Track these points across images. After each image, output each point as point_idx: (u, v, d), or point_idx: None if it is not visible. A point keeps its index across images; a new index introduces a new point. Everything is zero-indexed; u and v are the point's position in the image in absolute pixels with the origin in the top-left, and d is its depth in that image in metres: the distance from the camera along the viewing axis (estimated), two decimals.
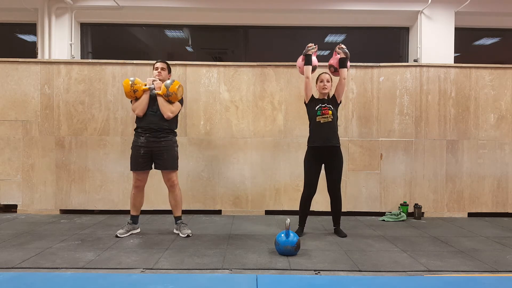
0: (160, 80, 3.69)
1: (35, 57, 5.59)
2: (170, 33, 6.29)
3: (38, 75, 4.68)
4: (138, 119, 3.67)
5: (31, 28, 5.90)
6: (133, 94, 3.58)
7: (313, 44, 3.73)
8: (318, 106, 3.66)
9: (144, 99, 3.59)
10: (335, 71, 3.83)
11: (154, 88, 3.63)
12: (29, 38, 6.20)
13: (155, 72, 3.72)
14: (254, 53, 6.12)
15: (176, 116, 3.75)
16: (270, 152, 4.75)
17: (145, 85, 3.63)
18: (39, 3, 5.53)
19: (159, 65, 3.74)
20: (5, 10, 5.71)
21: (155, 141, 3.59)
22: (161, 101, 3.58)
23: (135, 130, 3.70)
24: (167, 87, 3.54)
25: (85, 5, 5.62)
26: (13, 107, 4.66)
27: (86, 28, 6.04)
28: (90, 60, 4.90)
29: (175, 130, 3.77)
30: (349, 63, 3.80)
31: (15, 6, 5.53)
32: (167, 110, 3.58)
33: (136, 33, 6.36)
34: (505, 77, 4.79)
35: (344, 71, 3.71)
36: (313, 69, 3.80)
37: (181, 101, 3.74)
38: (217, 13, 5.79)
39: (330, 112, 3.63)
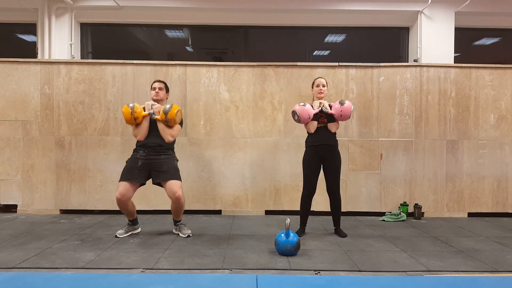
0: (157, 100, 3.66)
1: (35, 57, 5.59)
2: (170, 33, 6.29)
3: (38, 75, 4.68)
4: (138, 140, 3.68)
5: (31, 28, 5.90)
6: (134, 122, 3.57)
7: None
8: (313, 118, 3.67)
9: (145, 125, 3.59)
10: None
11: (153, 113, 3.61)
12: (29, 38, 6.20)
13: (153, 92, 3.67)
14: (254, 53, 6.12)
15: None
16: (270, 152, 4.75)
17: (144, 110, 3.62)
18: (39, 3, 5.53)
19: (156, 85, 3.69)
20: (5, 10, 5.71)
21: (154, 154, 3.59)
22: (161, 126, 3.58)
23: (134, 149, 3.69)
24: (165, 113, 3.50)
25: (85, 5, 5.62)
26: (13, 107, 4.66)
27: (86, 28, 6.04)
28: (90, 60, 4.90)
29: (173, 147, 3.76)
30: (346, 107, 3.58)
31: (15, 6, 5.53)
32: (167, 134, 3.58)
33: (136, 33, 6.36)
34: (505, 77, 4.79)
35: (331, 125, 3.65)
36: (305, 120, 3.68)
37: (181, 123, 3.74)
38: (217, 13, 5.79)
39: (326, 120, 3.69)
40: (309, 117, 3.59)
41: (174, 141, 3.77)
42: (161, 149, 3.61)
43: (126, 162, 3.66)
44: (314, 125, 3.66)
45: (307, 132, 3.77)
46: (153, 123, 3.63)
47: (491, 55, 6.61)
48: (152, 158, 3.58)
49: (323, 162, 3.71)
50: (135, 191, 3.57)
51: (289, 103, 4.73)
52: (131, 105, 3.56)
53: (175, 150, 3.81)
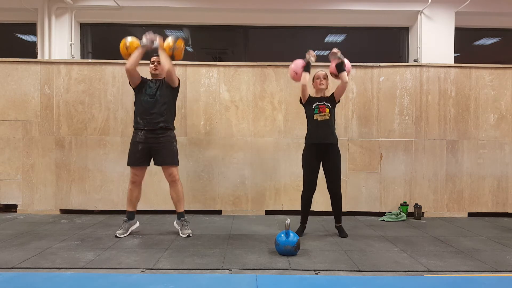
0: (156, 74, 3.68)
1: (35, 57, 5.59)
2: (170, 33, 6.29)
3: (38, 75, 4.68)
4: (136, 108, 3.65)
5: (31, 28, 5.90)
6: (126, 51, 3.60)
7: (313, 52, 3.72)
8: (315, 104, 3.66)
9: (135, 54, 3.59)
10: (336, 76, 3.79)
11: (146, 44, 3.62)
12: (29, 38, 6.20)
13: (151, 65, 3.70)
14: (254, 53, 6.12)
15: (174, 109, 3.75)
16: (270, 152, 4.75)
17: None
18: (39, 3, 5.53)
19: (155, 58, 3.72)
20: (5, 10, 5.71)
21: (153, 137, 3.60)
22: (163, 55, 3.59)
23: (134, 125, 3.69)
24: (174, 40, 3.59)
25: (85, 5, 5.62)
26: (13, 107, 4.66)
27: (86, 28, 6.04)
28: (90, 60, 4.90)
29: (172, 126, 3.74)
30: (348, 64, 3.76)
31: (15, 6, 5.54)
32: (168, 63, 3.57)
33: (136, 33, 6.34)
34: (505, 77, 4.79)
35: (343, 75, 3.62)
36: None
37: (178, 85, 3.73)
38: (217, 13, 5.79)
39: (327, 110, 3.63)
40: (295, 72, 3.68)
41: (173, 115, 3.74)
42: (160, 131, 3.61)
43: (130, 144, 3.69)
44: (305, 77, 3.62)
45: (307, 128, 3.76)
46: (151, 89, 3.60)
47: (491, 55, 6.61)
48: (151, 142, 3.60)
49: (323, 160, 3.69)
50: (144, 173, 3.75)
51: (289, 103, 4.74)
52: (129, 39, 3.63)
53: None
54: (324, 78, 3.69)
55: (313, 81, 3.78)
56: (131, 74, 3.60)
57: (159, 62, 3.68)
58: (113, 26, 6.10)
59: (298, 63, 3.74)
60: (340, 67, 3.63)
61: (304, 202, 3.75)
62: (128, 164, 3.69)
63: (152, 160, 3.72)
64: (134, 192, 3.72)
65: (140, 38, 3.73)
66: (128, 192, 3.74)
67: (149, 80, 3.72)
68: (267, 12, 5.78)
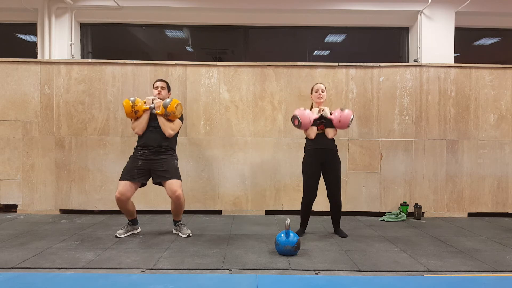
0: (160, 99, 3.69)
1: (35, 57, 5.59)
2: (170, 33, 6.29)
3: (38, 75, 4.68)
4: (138, 136, 3.67)
5: (31, 28, 5.90)
6: (134, 115, 3.58)
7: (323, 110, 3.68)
8: (313, 124, 3.67)
9: (144, 118, 3.60)
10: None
11: (154, 108, 3.63)
12: (29, 38, 6.20)
13: (155, 91, 3.73)
14: (254, 53, 6.12)
15: (176, 134, 3.74)
16: (270, 152, 4.75)
17: (145, 104, 3.63)
18: (39, 3, 5.53)
19: (158, 84, 3.74)
20: (5, 10, 5.71)
21: (154, 155, 3.59)
22: (161, 120, 3.58)
23: (134, 148, 3.69)
24: (165, 106, 3.53)
25: (85, 5, 5.62)
26: (13, 107, 4.66)
27: (86, 28, 6.03)
28: (90, 60, 4.90)
29: (174, 149, 3.76)
30: (336, 118, 3.62)
31: (15, 6, 5.53)
32: (167, 128, 3.58)
33: (136, 33, 6.36)
34: (505, 77, 4.79)
35: (327, 130, 3.66)
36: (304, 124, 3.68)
37: (181, 118, 3.74)
38: (217, 13, 5.79)
39: (325, 127, 3.69)
40: (310, 122, 3.58)
41: (175, 141, 3.77)
42: (161, 149, 3.61)
43: (129, 159, 3.67)
44: (314, 130, 3.65)
45: (305, 138, 3.78)
46: (154, 120, 3.64)
47: (491, 55, 6.61)
48: (152, 159, 3.58)
49: (323, 166, 3.71)
50: (135, 191, 3.59)
51: (289, 103, 4.74)
52: (132, 98, 3.59)
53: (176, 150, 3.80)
54: (323, 91, 3.74)
55: (311, 93, 3.83)
56: (140, 134, 3.64)
57: (162, 87, 3.73)
58: (113, 26, 6.09)
59: (310, 113, 3.60)
60: (328, 125, 3.67)
61: (304, 209, 3.76)
62: (121, 178, 3.54)
63: (148, 179, 3.64)
64: (126, 206, 3.58)
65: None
66: (120, 209, 3.61)
67: (152, 109, 3.65)
68: (267, 12, 5.78)
